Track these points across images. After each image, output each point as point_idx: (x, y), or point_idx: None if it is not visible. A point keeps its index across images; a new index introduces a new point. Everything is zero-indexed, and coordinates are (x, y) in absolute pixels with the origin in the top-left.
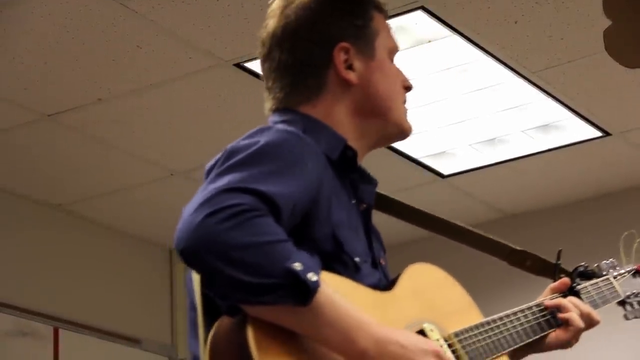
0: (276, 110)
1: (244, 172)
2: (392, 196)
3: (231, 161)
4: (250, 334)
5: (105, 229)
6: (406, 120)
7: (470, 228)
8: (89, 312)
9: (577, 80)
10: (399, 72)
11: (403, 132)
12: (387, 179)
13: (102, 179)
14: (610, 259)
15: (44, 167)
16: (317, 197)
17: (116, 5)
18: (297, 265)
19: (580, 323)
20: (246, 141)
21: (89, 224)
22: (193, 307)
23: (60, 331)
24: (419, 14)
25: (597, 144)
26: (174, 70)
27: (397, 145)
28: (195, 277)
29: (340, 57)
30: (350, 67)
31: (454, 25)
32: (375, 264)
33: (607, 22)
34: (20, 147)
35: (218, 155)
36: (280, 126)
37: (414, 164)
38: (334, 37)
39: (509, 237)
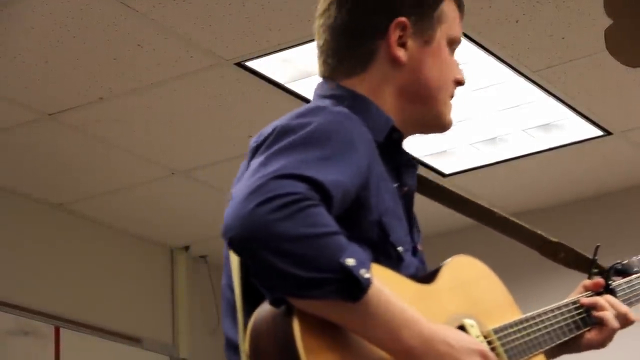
0: (324, 78)
1: (296, 156)
2: (430, 178)
3: (282, 142)
4: (296, 326)
5: (106, 228)
6: (448, 115)
7: (505, 215)
8: (90, 311)
9: (578, 80)
10: (454, 65)
11: (441, 126)
12: None
13: (103, 178)
14: None
15: (45, 166)
16: (367, 183)
17: (117, 4)
18: (350, 261)
19: (614, 323)
20: (299, 121)
21: (90, 223)
22: (230, 288)
23: (62, 330)
24: None
25: (597, 143)
26: (175, 69)
27: None
28: (234, 259)
29: (395, 32)
30: (403, 45)
31: None
32: (414, 252)
33: (608, 22)
34: (21, 146)
35: (266, 130)
36: (335, 108)
37: None
38: (395, 10)
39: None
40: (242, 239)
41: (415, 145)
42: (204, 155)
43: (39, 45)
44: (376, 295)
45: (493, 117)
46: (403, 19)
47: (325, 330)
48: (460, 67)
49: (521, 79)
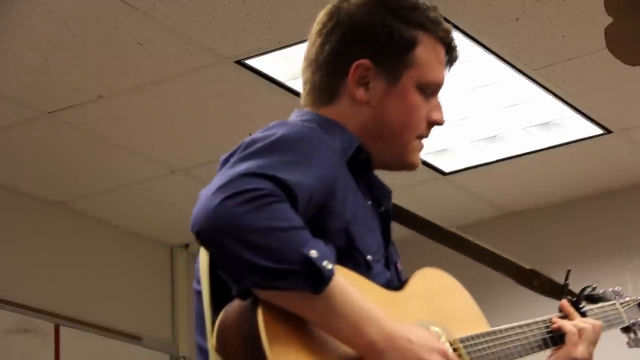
0: (303, 106)
1: (263, 160)
2: (406, 207)
3: (249, 150)
4: (260, 317)
5: (106, 226)
6: (411, 155)
7: (480, 243)
8: (90, 309)
9: (579, 78)
10: (422, 106)
11: (403, 166)
12: (388, 176)
13: (103, 176)
14: (617, 287)
15: (44, 164)
16: (332, 191)
17: (117, 2)
18: (314, 253)
19: (575, 338)
20: (264, 133)
21: (90, 221)
22: (200, 299)
23: (61, 328)
24: None
25: (598, 142)
26: (175, 67)
27: None
28: (203, 266)
29: (356, 73)
30: (366, 85)
31: (455, 23)
32: (388, 265)
33: (608, 20)
34: (21, 144)
35: (235, 147)
36: (300, 122)
37: None
38: (360, 53)
39: (510, 235)
40: (210, 230)
41: None
42: (204, 154)
43: (39, 43)
44: (339, 288)
45: (493, 115)
46: (365, 61)
47: (290, 322)
48: (461, 65)
49: (521, 77)
